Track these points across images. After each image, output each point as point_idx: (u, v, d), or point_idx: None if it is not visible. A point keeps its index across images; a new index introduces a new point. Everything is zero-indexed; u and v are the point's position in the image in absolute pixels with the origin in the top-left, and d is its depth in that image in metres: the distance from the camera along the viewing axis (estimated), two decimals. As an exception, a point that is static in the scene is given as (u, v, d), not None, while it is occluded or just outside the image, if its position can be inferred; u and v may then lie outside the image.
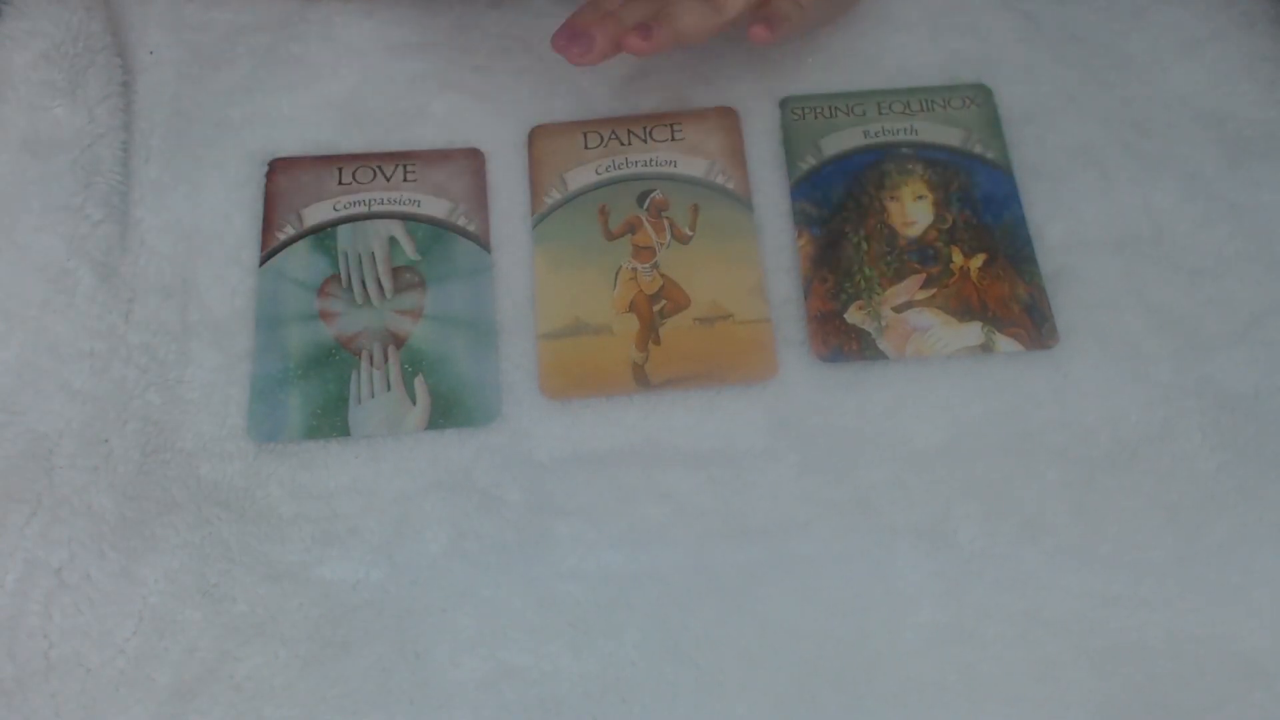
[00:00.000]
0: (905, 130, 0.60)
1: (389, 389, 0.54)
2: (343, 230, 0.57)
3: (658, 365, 0.54)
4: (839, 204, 0.58)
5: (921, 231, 0.57)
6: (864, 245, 0.57)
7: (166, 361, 0.54)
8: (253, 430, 0.53)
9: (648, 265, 0.57)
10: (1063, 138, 0.60)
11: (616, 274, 0.56)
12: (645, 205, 0.58)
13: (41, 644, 0.48)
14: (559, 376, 0.54)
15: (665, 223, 0.58)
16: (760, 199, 0.59)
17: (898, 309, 0.55)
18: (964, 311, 0.55)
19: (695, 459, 0.52)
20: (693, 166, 0.59)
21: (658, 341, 0.55)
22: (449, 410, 0.53)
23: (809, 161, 0.59)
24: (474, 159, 0.60)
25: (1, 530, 0.50)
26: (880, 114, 0.61)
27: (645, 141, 0.60)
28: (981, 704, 0.47)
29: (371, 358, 0.54)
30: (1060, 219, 0.58)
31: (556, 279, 0.56)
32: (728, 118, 0.61)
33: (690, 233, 0.58)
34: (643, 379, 0.54)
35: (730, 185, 0.59)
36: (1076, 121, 0.60)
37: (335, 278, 0.56)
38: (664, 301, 0.56)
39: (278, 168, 0.59)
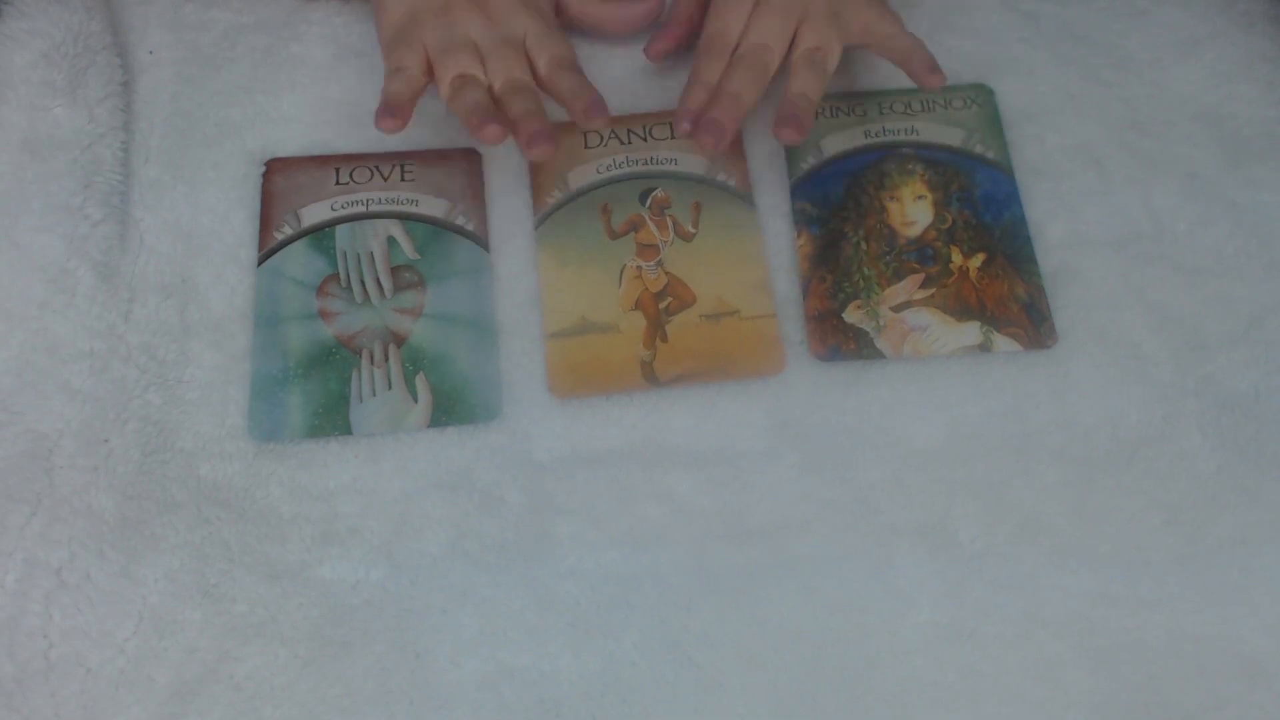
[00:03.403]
0: (905, 130, 0.60)
1: (390, 387, 0.54)
2: (341, 230, 0.57)
3: (666, 362, 0.54)
4: (839, 204, 0.58)
5: (921, 231, 0.57)
6: (863, 245, 0.57)
7: (166, 361, 0.54)
8: (253, 430, 0.53)
9: (652, 263, 0.57)
10: (1063, 138, 0.60)
11: (621, 272, 0.57)
12: (647, 203, 0.58)
13: (41, 644, 0.48)
14: (567, 376, 0.54)
15: (668, 220, 0.58)
16: (760, 198, 0.59)
17: (896, 308, 0.55)
18: (962, 311, 0.55)
19: (695, 459, 0.52)
20: (694, 164, 0.59)
21: (665, 339, 0.55)
22: (451, 408, 0.53)
23: (809, 161, 0.59)
24: (471, 159, 0.60)
25: (1, 530, 0.50)
26: (881, 114, 0.61)
27: (645, 140, 0.60)
28: (981, 704, 0.47)
29: (372, 356, 0.54)
30: (1060, 219, 0.58)
31: (561, 278, 0.56)
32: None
33: (693, 230, 0.58)
34: (651, 376, 0.54)
35: (731, 182, 0.59)
36: (1076, 121, 0.60)
37: (334, 277, 0.56)
38: (669, 299, 0.56)
39: (274, 168, 0.59)
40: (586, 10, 0.61)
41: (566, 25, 0.61)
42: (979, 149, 0.59)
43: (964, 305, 0.55)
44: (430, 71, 0.57)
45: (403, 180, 0.59)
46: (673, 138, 0.60)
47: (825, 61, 0.57)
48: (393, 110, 0.54)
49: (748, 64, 0.57)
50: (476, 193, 0.59)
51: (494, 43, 0.57)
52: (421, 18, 0.57)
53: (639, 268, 0.57)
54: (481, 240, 0.58)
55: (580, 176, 0.59)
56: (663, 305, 0.56)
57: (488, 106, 0.55)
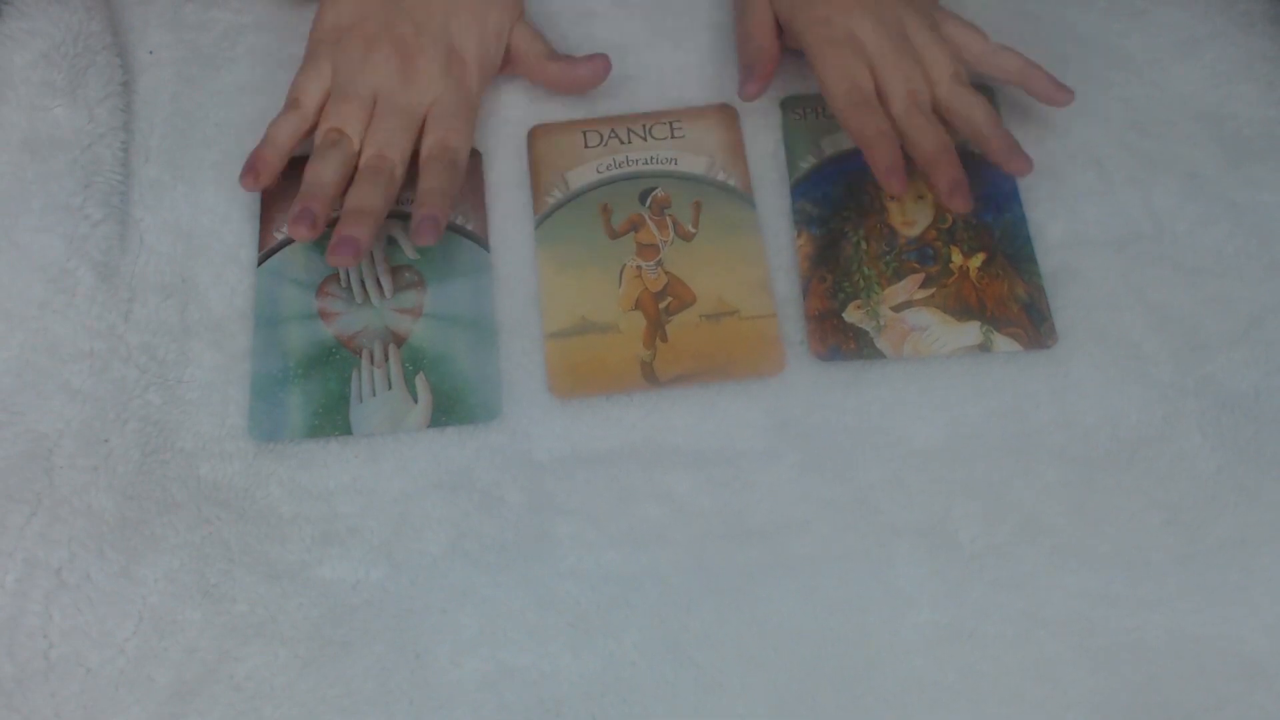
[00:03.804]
0: (905, 130, 0.60)
1: (390, 387, 0.54)
2: (342, 230, 0.57)
3: (666, 362, 0.54)
4: (839, 203, 0.58)
5: (921, 231, 0.57)
6: (863, 244, 0.57)
7: (166, 361, 0.54)
8: (253, 430, 0.53)
9: (652, 263, 0.57)
10: (1063, 138, 0.60)
11: (621, 272, 0.57)
12: (647, 203, 0.58)
13: (41, 644, 0.48)
14: (567, 376, 0.54)
15: (668, 220, 0.58)
16: (760, 198, 0.59)
17: (896, 308, 0.55)
18: (962, 311, 0.55)
19: (695, 459, 0.52)
20: (693, 164, 0.59)
21: (665, 338, 0.55)
22: (451, 408, 0.53)
23: (809, 161, 0.59)
24: (471, 159, 0.59)
25: (1, 530, 0.50)
26: (880, 114, 0.61)
27: (645, 140, 0.60)
28: (981, 704, 0.47)
29: (372, 356, 0.54)
30: (1060, 219, 0.58)
31: (561, 278, 0.56)
32: (726, 115, 0.61)
33: (693, 229, 0.58)
34: (651, 376, 0.54)
35: (731, 182, 0.59)
36: (1076, 121, 0.60)
37: (334, 277, 0.56)
38: (669, 298, 0.56)
39: (276, 168, 0.59)
40: (535, 68, 0.60)
41: (519, 76, 0.61)
42: (978, 149, 0.59)
43: (964, 305, 0.55)
44: (320, 110, 0.56)
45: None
46: (673, 137, 0.60)
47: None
48: (256, 171, 0.54)
49: (924, 115, 0.55)
50: (476, 193, 0.59)
51: (390, 107, 0.56)
52: (346, 42, 0.57)
53: (639, 267, 0.57)
54: (481, 240, 0.58)
55: (580, 176, 0.59)
56: (663, 305, 0.56)
57: (326, 191, 0.53)
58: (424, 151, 0.56)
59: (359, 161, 0.55)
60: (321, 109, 0.56)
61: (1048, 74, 0.57)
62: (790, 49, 0.60)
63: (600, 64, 0.59)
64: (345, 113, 0.55)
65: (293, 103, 0.56)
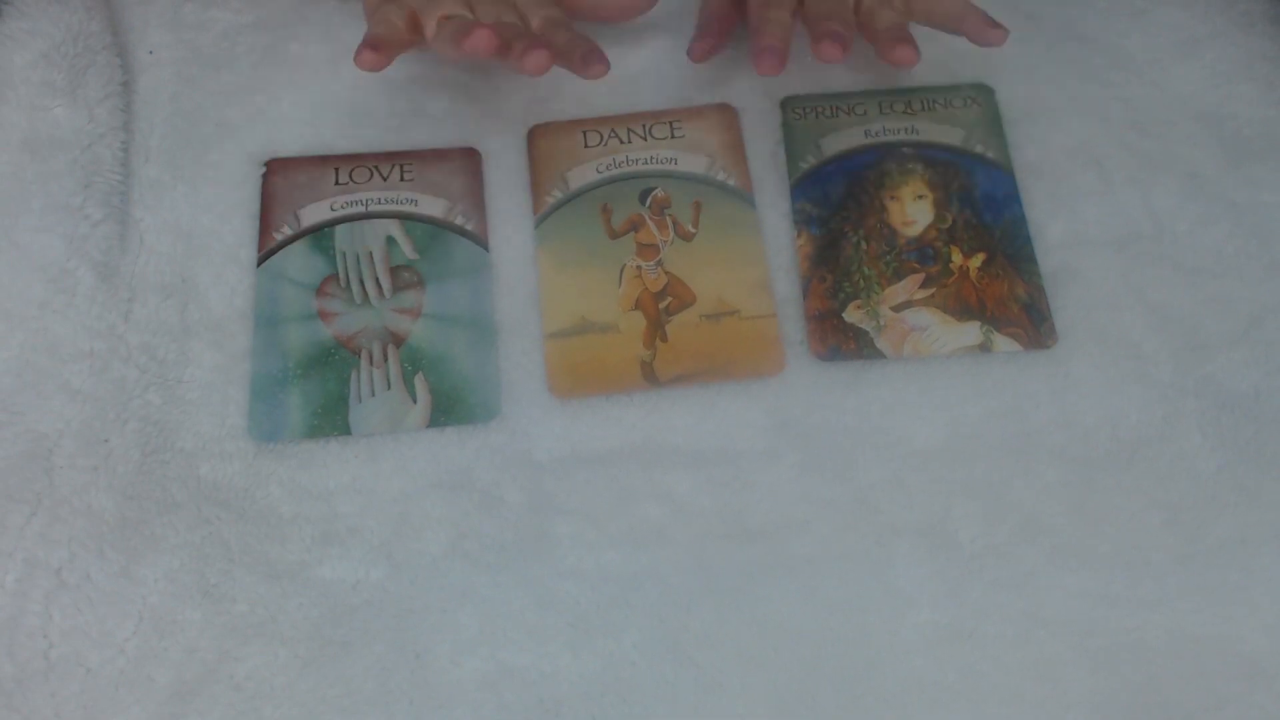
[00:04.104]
0: (906, 130, 0.60)
1: (389, 387, 0.54)
2: (340, 230, 0.57)
3: (666, 362, 0.54)
4: (839, 203, 0.58)
5: (921, 231, 0.57)
6: (863, 244, 0.57)
7: (166, 361, 0.54)
8: (253, 430, 0.53)
9: (652, 263, 0.57)
10: (1063, 138, 0.60)
11: (621, 272, 0.57)
12: (647, 203, 0.58)
13: (41, 644, 0.48)
14: (567, 376, 0.54)
15: (668, 220, 0.58)
16: (760, 198, 0.59)
17: (896, 308, 0.55)
18: (963, 311, 0.55)
19: (695, 459, 0.52)
20: (693, 164, 0.59)
21: (665, 339, 0.55)
22: (450, 408, 0.53)
23: (809, 161, 0.59)
24: (470, 158, 0.60)
25: (1, 530, 0.50)
26: (881, 113, 0.61)
27: (645, 139, 0.60)
28: (981, 704, 0.47)
29: (371, 356, 0.54)
30: (1060, 219, 0.58)
31: (561, 278, 0.56)
32: (726, 115, 0.61)
33: (693, 229, 0.58)
34: (651, 376, 0.54)
35: (732, 182, 0.59)
36: (1076, 121, 0.60)
37: (334, 277, 0.56)
38: (669, 298, 0.56)
39: (274, 168, 0.59)
40: None
41: (564, 7, 0.60)
42: (979, 149, 0.59)
43: (964, 305, 0.55)
44: (415, 30, 0.55)
45: (402, 180, 0.59)
46: (673, 137, 0.60)
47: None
48: (375, 44, 0.53)
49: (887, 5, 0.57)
50: (476, 192, 0.59)
51: None
52: None
53: (639, 267, 0.57)
54: (481, 240, 0.58)
55: (580, 176, 0.59)
56: (663, 305, 0.56)
57: (469, 23, 0.53)
58: (535, 27, 0.56)
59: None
60: (413, 29, 0.55)
61: (983, 15, 0.57)
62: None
63: None
64: (445, 6, 0.55)
65: (379, 21, 0.55)
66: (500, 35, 0.52)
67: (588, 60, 0.53)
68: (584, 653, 0.48)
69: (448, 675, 0.48)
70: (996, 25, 0.57)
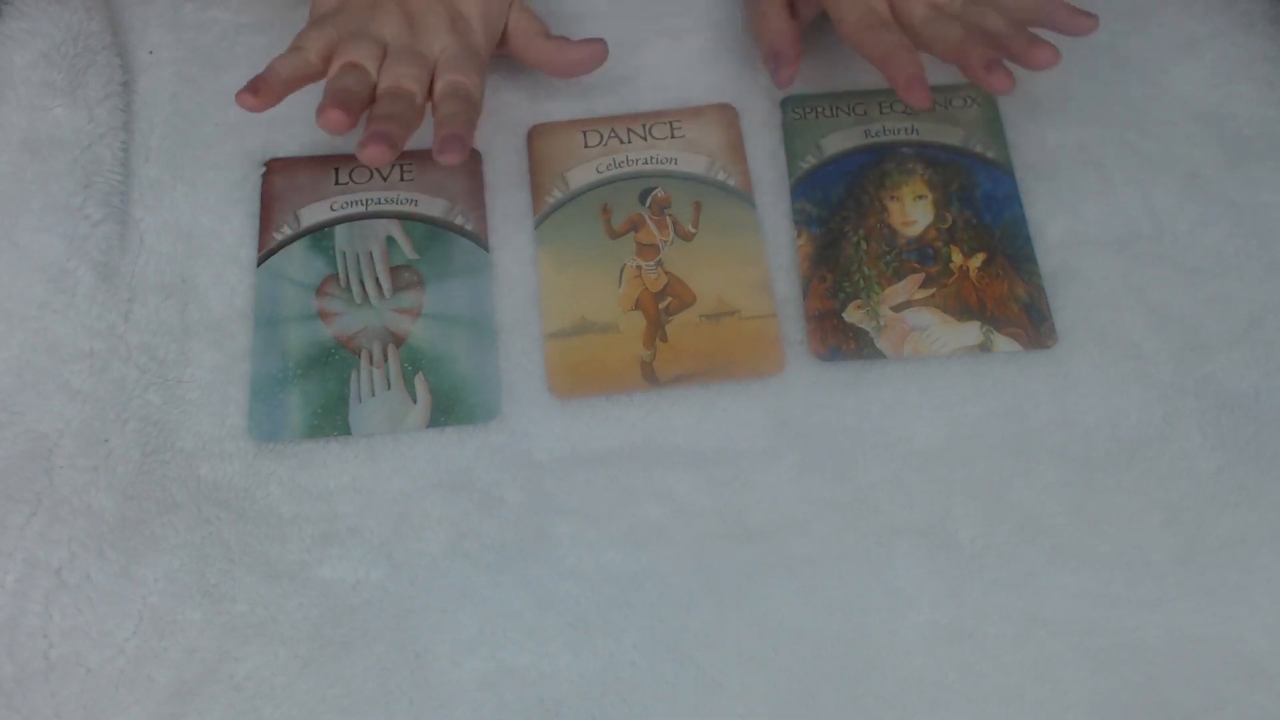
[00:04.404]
0: (906, 130, 0.60)
1: (389, 387, 0.54)
2: (340, 230, 0.57)
3: (666, 362, 0.54)
4: (839, 203, 0.58)
5: (921, 231, 0.57)
6: (863, 244, 0.57)
7: (166, 361, 0.54)
8: (253, 430, 0.53)
9: (652, 263, 0.57)
10: (1063, 138, 0.60)
11: (621, 272, 0.57)
12: (647, 203, 0.58)
13: (41, 644, 0.48)
14: (567, 376, 0.54)
15: (668, 220, 0.58)
16: (760, 198, 0.59)
17: (896, 308, 0.55)
18: (963, 311, 0.55)
19: (695, 459, 0.52)
20: (693, 164, 0.59)
21: (665, 338, 0.55)
22: (450, 408, 0.53)
23: (809, 161, 0.59)
24: (470, 158, 0.60)
25: (1, 530, 0.50)
26: (881, 113, 0.61)
27: (645, 139, 0.60)
28: (981, 704, 0.47)
29: (371, 356, 0.54)
30: (1060, 219, 0.58)
31: (561, 278, 0.56)
32: (726, 114, 0.61)
33: (693, 229, 0.58)
34: (651, 376, 0.54)
35: (732, 182, 0.59)
36: (1076, 121, 0.60)
37: (334, 277, 0.56)
38: (669, 298, 0.56)
39: (274, 168, 0.59)
40: (529, 46, 0.59)
41: (513, 59, 0.60)
42: (979, 149, 0.59)
43: (964, 305, 0.55)
44: (327, 60, 0.55)
45: (402, 180, 0.59)
46: (673, 137, 0.60)
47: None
48: (256, 87, 0.52)
49: (947, 16, 0.55)
50: (476, 192, 0.59)
51: (401, 49, 0.55)
52: (348, 8, 0.56)
53: (639, 267, 0.57)
54: (481, 240, 0.58)
55: (580, 176, 0.59)
56: (663, 305, 0.56)
57: (353, 94, 0.52)
58: (436, 92, 0.55)
59: (376, 92, 0.54)
60: (325, 59, 0.55)
61: (1068, 4, 0.56)
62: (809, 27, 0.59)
63: (596, 48, 0.58)
64: (358, 50, 0.54)
65: (294, 47, 0.54)
66: (351, 115, 0.51)
67: (442, 147, 0.51)
68: (584, 653, 0.48)
69: (448, 675, 0.48)
70: (1086, 14, 0.55)
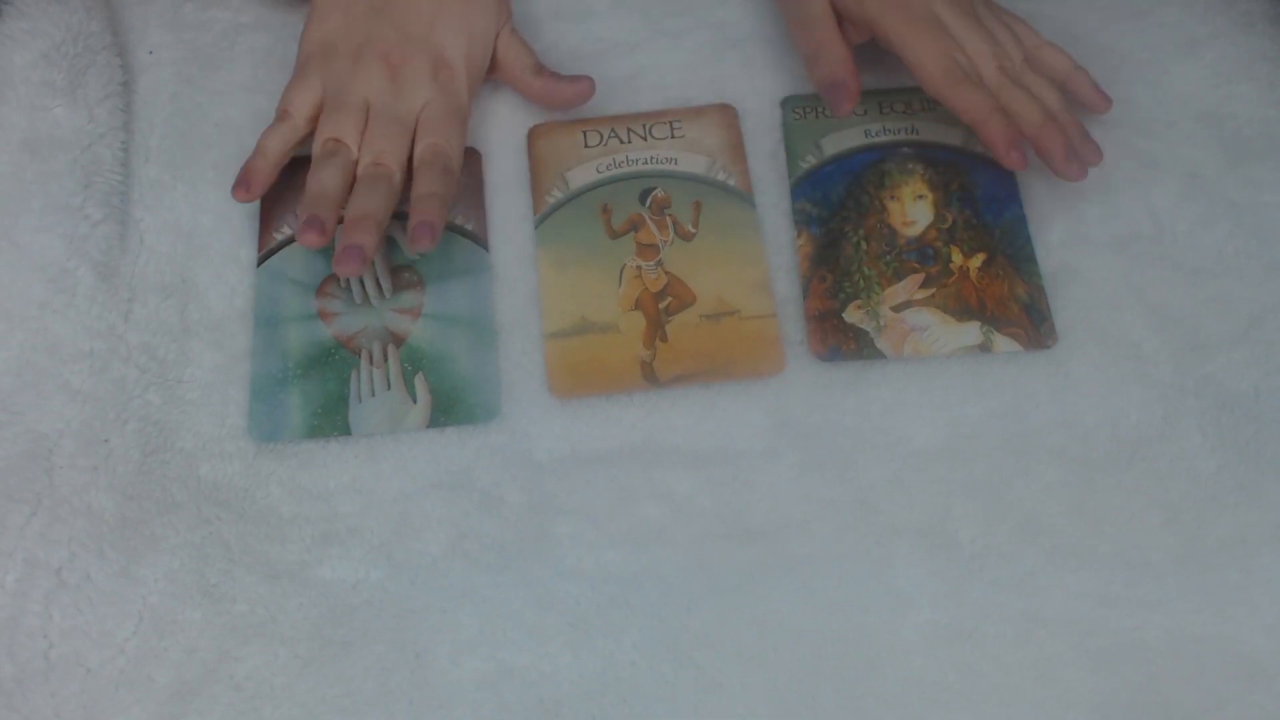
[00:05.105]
0: (906, 130, 0.60)
1: (389, 387, 0.54)
2: (340, 230, 0.57)
3: (665, 362, 0.54)
4: (839, 203, 0.58)
5: (921, 231, 0.57)
6: (863, 245, 0.57)
7: (166, 361, 0.54)
8: (253, 430, 0.53)
9: (652, 263, 0.57)
10: (1062, 137, 0.60)
11: (621, 272, 0.57)
12: (647, 203, 0.58)
13: (41, 644, 0.48)
14: (567, 376, 0.54)
15: (668, 220, 0.58)
16: (760, 198, 0.59)
17: (896, 308, 0.55)
18: (963, 311, 0.55)
19: (695, 459, 0.52)
20: (693, 164, 0.59)
21: (665, 339, 0.55)
22: (450, 408, 0.53)
23: (809, 161, 0.59)
24: (471, 159, 0.60)
25: (1, 530, 0.50)
26: (881, 114, 0.61)
27: (645, 139, 0.60)
28: (981, 704, 0.47)
29: (371, 356, 0.54)
30: (1060, 219, 0.58)
31: (561, 278, 0.56)
32: (726, 115, 0.61)
33: (693, 229, 0.58)
34: (651, 376, 0.54)
35: (732, 182, 0.59)
36: (1076, 121, 0.60)
37: (333, 277, 0.56)
38: (669, 298, 0.56)
39: (276, 168, 0.59)
40: (519, 81, 0.60)
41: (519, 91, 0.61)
42: (979, 149, 0.59)
43: (964, 305, 0.55)
44: (313, 121, 0.56)
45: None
46: (673, 137, 0.60)
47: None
48: (248, 183, 0.54)
49: (1019, 86, 0.56)
50: (476, 193, 0.59)
51: (384, 113, 0.56)
52: (333, 54, 0.57)
53: (639, 267, 0.57)
54: (481, 240, 0.58)
55: (580, 176, 0.59)
56: (663, 305, 0.56)
57: (330, 199, 0.53)
58: (417, 157, 0.56)
59: (357, 170, 0.55)
60: (312, 120, 0.56)
61: (1091, 79, 0.58)
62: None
63: (584, 85, 0.59)
64: (340, 122, 0.55)
65: (282, 114, 0.56)
66: (326, 234, 0.52)
67: (415, 235, 0.52)
68: (584, 653, 0.48)
69: (448, 675, 0.48)
70: (1105, 94, 0.58)
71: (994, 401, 0.53)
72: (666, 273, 0.56)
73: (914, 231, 0.57)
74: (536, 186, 0.59)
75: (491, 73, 0.60)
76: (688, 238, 0.57)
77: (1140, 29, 0.63)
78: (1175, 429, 0.52)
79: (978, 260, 0.57)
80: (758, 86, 0.62)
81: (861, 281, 0.56)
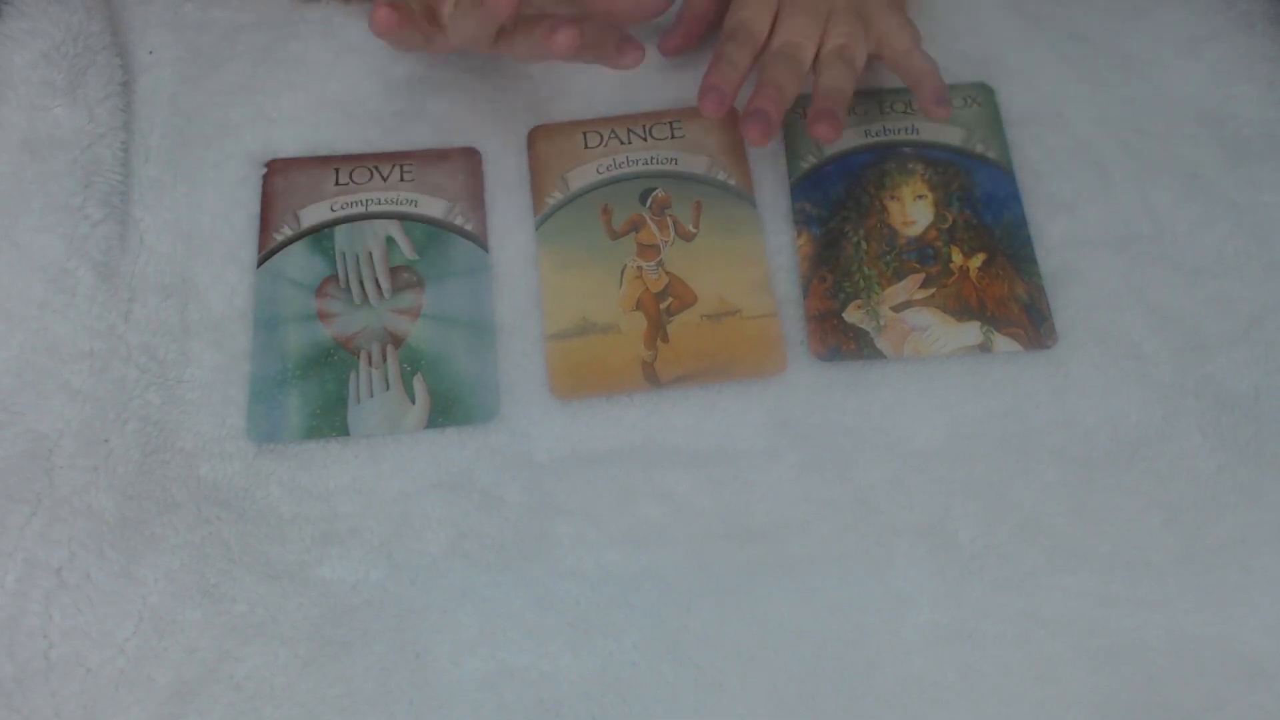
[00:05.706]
0: (906, 130, 0.60)
1: (388, 388, 0.54)
2: (340, 231, 0.57)
3: (667, 362, 0.54)
4: (839, 203, 0.58)
5: (921, 231, 0.57)
6: (863, 244, 0.57)
7: (166, 361, 0.54)
8: (252, 430, 0.53)
9: (653, 263, 0.57)
10: (1063, 138, 0.60)
11: (622, 272, 0.57)
12: (648, 203, 0.58)
13: (41, 644, 0.48)
14: (568, 377, 0.54)
15: (669, 220, 0.58)
16: (760, 198, 0.59)
17: (896, 308, 0.55)
18: (963, 311, 0.55)
19: (695, 459, 0.52)
20: (694, 164, 0.59)
21: (666, 339, 0.55)
22: (448, 409, 0.53)
23: (809, 160, 0.59)
24: (471, 158, 0.60)
25: (1, 530, 0.50)
26: (881, 113, 0.61)
27: (645, 140, 0.60)
28: (981, 704, 0.47)
29: (370, 357, 0.54)
30: (1060, 219, 0.58)
31: (562, 279, 0.56)
32: (727, 115, 0.60)
33: (694, 229, 0.58)
34: (652, 377, 0.54)
35: (732, 182, 0.59)
36: (1076, 121, 0.60)
37: (333, 278, 0.56)
38: (670, 299, 0.56)
39: (274, 168, 0.59)
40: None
41: (577, 6, 0.59)
42: (979, 149, 0.59)
43: (964, 305, 0.55)
44: (433, 19, 0.54)
45: (402, 180, 0.59)
46: (673, 137, 0.60)
47: (854, 59, 0.56)
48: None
49: (784, 58, 0.56)
50: (476, 193, 0.59)
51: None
52: None
53: (639, 268, 0.57)
54: (481, 240, 0.58)
55: (580, 176, 0.59)
56: (664, 305, 0.56)
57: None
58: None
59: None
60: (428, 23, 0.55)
61: (938, 89, 0.56)
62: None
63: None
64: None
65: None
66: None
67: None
68: (584, 653, 0.48)
69: (448, 675, 0.48)
70: (945, 103, 0.56)
71: (994, 401, 0.53)
72: (667, 273, 0.56)
73: (914, 231, 0.57)
74: (537, 187, 0.59)
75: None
76: (688, 238, 0.57)
77: (1140, 29, 0.63)
78: (1175, 429, 0.52)
79: (978, 260, 0.57)
80: (758, 86, 0.62)
81: (861, 281, 0.56)
